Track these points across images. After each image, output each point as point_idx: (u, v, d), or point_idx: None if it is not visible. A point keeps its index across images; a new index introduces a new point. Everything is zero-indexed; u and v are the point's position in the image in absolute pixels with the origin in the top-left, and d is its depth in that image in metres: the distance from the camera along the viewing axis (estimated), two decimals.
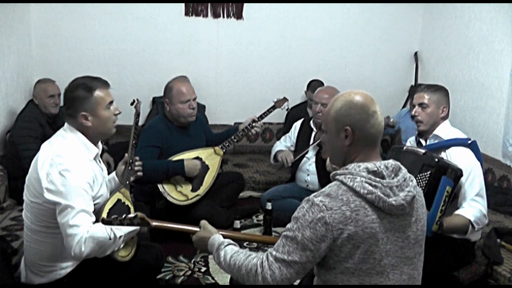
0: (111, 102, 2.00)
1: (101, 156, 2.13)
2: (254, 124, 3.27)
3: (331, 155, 1.58)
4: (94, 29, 4.43)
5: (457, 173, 2.12)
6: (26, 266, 1.99)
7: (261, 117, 3.44)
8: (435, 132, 2.41)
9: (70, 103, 1.94)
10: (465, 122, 4.24)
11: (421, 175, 2.12)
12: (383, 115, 1.51)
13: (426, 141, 2.46)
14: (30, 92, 4.21)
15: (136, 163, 2.31)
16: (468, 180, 2.22)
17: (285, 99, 3.53)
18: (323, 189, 1.43)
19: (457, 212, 2.20)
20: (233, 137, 3.28)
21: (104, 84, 2.00)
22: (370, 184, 1.38)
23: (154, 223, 1.78)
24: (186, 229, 1.81)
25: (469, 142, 2.32)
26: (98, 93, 1.95)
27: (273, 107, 3.47)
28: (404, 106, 4.85)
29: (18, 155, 3.19)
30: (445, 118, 2.43)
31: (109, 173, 2.26)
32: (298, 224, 1.39)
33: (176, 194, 3.00)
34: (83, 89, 1.93)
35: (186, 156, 3.07)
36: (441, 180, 2.08)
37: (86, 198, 1.85)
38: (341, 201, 1.37)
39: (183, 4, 4.54)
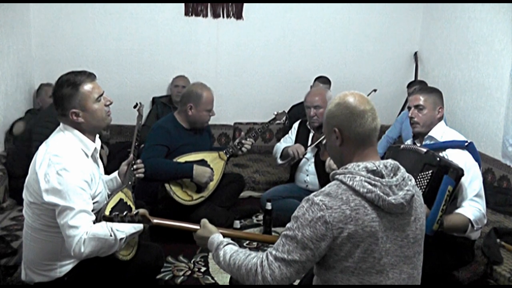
0: (101, 94, 1.96)
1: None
2: (243, 141, 3.27)
3: (330, 156, 1.60)
4: (94, 29, 4.44)
5: (459, 173, 2.12)
6: (26, 264, 1.98)
7: (263, 127, 3.47)
8: (430, 133, 2.41)
9: (59, 103, 1.92)
10: (465, 122, 4.24)
11: (422, 174, 2.12)
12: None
13: (421, 143, 2.46)
14: (30, 92, 4.24)
15: (135, 166, 2.31)
16: (467, 181, 2.22)
17: (284, 113, 3.56)
18: (323, 189, 1.43)
19: (457, 211, 2.21)
20: (236, 143, 3.28)
21: (89, 76, 1.94)
22: (370, 183, 1.38)
23: (155, 221, 1.78)
24: (186, 227, 1.81)
25: (466, 144, 2.31)
26: (84, 87, 1.91)
27: (274, 119, 3.49)
28: (403, 107, 4.85)
29: (24, 152, 3.14)
30: (440, 119, 2.44)
31: (107, 165, 2.24)
32: (298, 223, 1.39)
33: (182, 193, 3.02)
34: (68, 86, 1.89)
35: (192, 157, 3.09)
36: (442, 180, 2.08)
37: (85, 197, 1.85)
38: (340, 200, 1.37)
39: (183, 4, 4.54)
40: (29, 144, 3.13)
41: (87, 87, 1.92)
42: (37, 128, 3.23)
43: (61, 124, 1.97)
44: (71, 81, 1.90)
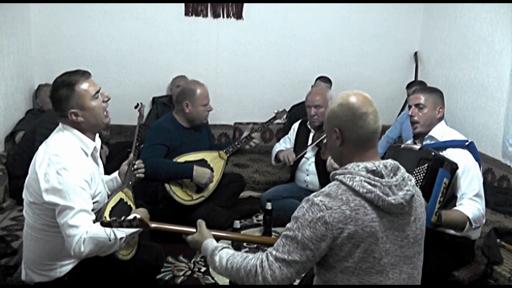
0: (98, 91, 1.96)
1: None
2: (252, 135, 3.28)
3: (331, 155, 1.61)
4: (94, 29, 4.43)
5: (453, 166, 2.17)
6: (26, 264, 1.98)
7: (263, 126, 3.47)
8: (430, 133, 2.42)
9: (57, 105, 1.92)
10: (465, 122, 4.24)
11: (418, 168, 2.16)
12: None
13: (421, 143, 2.46)
14: (30, 92, 4.24)
15: (135, 166, 2.30)
16: (466, 181, 2.23)
17: (284, 111, 3.57)
18: (323, 189, 1.44)
19: (456, 208, 2.22)
20: (236, 142, 3.29)
21: (84, 75, 1.94)
22: (369, 183, 1.38)
23: (153, 225, 1.79)
24: (183, 231, 1.82)
25: (467, 143, 2.32)
26: (80, 86, 1.90)
27: (274, 118, 3.50)
28: (403, 107, 4.85)
29: (26, 152, 3.12)
30: (441, 119, 2.44)
31: (107, 165, 2.24)
32: (298, 224, 1.40)
33: (182, 193, 3.03)
34: (64, 87, 1.89)
35: (193, 157, 3.09)
36: (438, 173, 2.12)
37: (84, 196, 1.85)
38: (340, 201, 1.37)
39: (183, 4, 4.54)
40: (31, 144, 3.14)
41: (82, 85, 1.92)
42: (39, 129, 3.22)
43: (60, 124, 1.97)
44: (66, 82, 1.90)
